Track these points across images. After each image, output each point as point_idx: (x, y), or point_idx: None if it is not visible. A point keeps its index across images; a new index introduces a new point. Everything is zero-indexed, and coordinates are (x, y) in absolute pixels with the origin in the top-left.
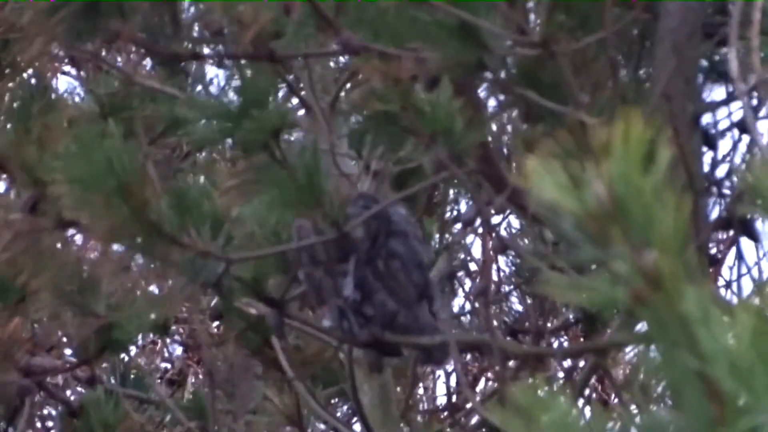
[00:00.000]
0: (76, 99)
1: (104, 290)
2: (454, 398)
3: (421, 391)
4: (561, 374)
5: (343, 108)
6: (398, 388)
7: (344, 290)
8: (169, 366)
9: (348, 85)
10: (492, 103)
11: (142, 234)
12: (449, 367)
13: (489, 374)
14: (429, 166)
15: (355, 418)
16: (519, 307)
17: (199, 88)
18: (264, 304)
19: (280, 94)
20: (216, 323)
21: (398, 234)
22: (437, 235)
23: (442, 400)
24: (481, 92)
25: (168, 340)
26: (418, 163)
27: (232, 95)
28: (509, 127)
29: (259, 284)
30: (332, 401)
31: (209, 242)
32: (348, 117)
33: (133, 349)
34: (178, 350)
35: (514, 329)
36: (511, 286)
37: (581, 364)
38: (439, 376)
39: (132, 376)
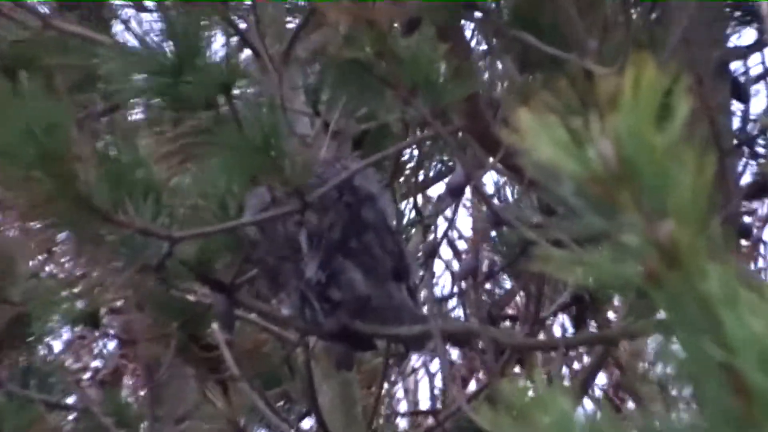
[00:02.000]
0: None
1: (21, 274)
2: (436, 400)
3: (400, 393)
4: (563, 368)
5: (299, 56)
6: (364, 387)
7: (306, 271)
8: (100, 365)
9: (304, 28)
10: (482, 48)
11: (68, 210)
12: (432, 366)
13: (480, 374)
14: (397, 125)
15: (308, 424)
16: (507, 287)
17: (123, 33)
18: (211, 288)
19: (228, 41)
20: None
21: (365, 199)
22: (409, 204)
23: (424, 403)
24: (470, 36)
25: (97, 334)
26: (384, 121)
27: (165, 44)
28: (502, 77)
29: (205, 266)
30: (277, 404)
31: (149, 219)
32: (305, 66)
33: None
34: (111, 345)
35: (495, 315)
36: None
37: (585, 356)
38: (419, 375)
39: (50, 379)
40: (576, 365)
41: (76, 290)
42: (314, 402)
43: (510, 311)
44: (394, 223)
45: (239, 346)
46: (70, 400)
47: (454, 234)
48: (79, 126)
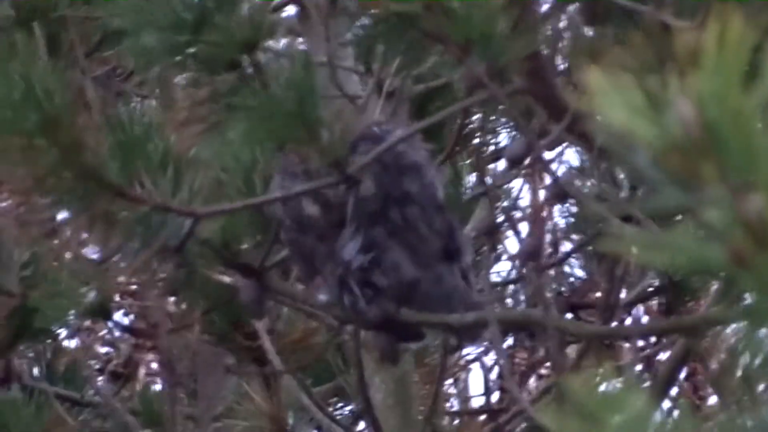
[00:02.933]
0: None
1: (18, 260)
2: (494, 396)
3: (452, 388)
4: (637, 363)
5: (347, 6)
6: (421, 383)
7: (345, 253)
8: (112, 353)
9: None
10: None
11: (75, 184)
12: (488, 358)
13: (543, 369)
14: (462, 84)
15: (360, 423)
16: (580, 274)
17: None
18: (237, 273)
19: None
20: (173, 299)
21: (409, 169)
22: (473, 177)
23: (479, 399)
24: None
25: (111, 322)
26: (446, 80)
27: None
28: (568, 32)
29: (231, 248)
30: (328, 401)
31: (168, 193)
32: (354, 19)
33: (63, 333)
34: (125, 334)
35: (574, 303)
36: (570, 246)
37: (664, 350)
38: (471, 368)
39: (63, 369)
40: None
41: (83, 277)
42: (366, 400)
43: (587, 299)
44: (443, 197)
45: (286, 336)
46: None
47: (516, 210)
48: (91, 86)
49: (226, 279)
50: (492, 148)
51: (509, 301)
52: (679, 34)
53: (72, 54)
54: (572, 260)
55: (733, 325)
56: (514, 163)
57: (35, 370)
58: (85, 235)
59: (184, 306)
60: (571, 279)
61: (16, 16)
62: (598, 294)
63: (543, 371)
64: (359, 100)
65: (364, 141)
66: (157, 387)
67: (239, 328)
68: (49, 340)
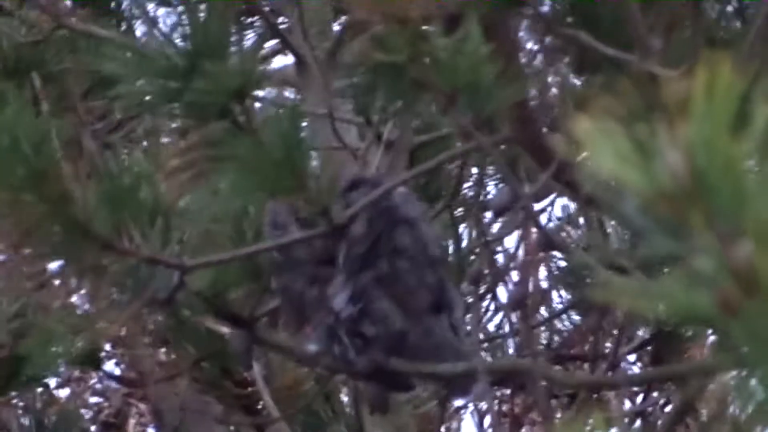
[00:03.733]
0: None
1: (7, 310)
2: None
3: None
4: (629, 415)
5: (345, 60)
6: None
7: (335, 303)
8: (103, 403)
9: (351, 30)
10: (533, 47)
11: (64, 237)
12: (481, 404)
13: (534, 414)
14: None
15: None
16: (568, 325)
17: (138, 32)
18: (227, 323)
19: (249, 40)
20: (163, 349)
21: (402, 222)
22: (471, 230)
23: None
24: (519, 33)
25: (101, 372)
26: (445, 131)
27: (180, 43)
28: (556, 81)
29: (221, 298)
30: None
31: (157, 245)
32: (352, 70)
33: (53, 383)
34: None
35: (562, 354)
36: (558, 296)
37: (658, 403)
38: (464, 415)
39: (53, 418)
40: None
41: (72, 326)
42: None
43: (575, 350)
44: (438, 252)
45: (276, 383)
46: None
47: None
48: (87, 136)
49: (217, 327)
50: (481, 198)
51: (498, 352)
52: (667, 83)
53: (64, 104)
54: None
55: (724, 374)
56: (499, 213)
57: (25, 421)
58: (74, 286)
59: (173, 355)
60: (560, 330)
61: (4, 67)
62: (586, 346)
63: (535, 418)
64: (359, 152)
65: (357, 187)
66: None
67: (229, 376)
68: (39, 389)
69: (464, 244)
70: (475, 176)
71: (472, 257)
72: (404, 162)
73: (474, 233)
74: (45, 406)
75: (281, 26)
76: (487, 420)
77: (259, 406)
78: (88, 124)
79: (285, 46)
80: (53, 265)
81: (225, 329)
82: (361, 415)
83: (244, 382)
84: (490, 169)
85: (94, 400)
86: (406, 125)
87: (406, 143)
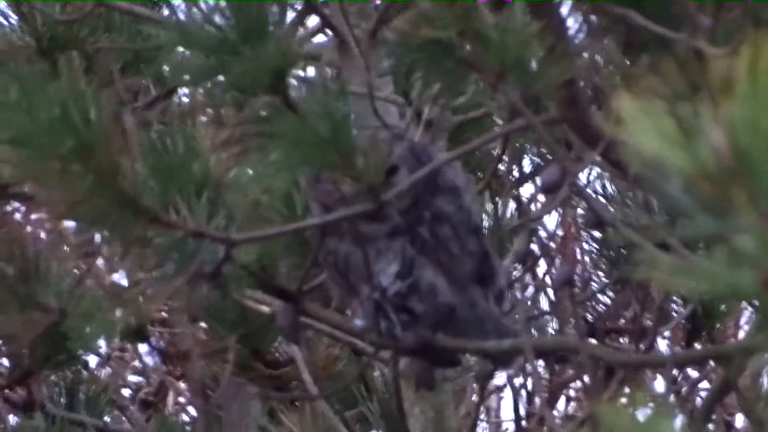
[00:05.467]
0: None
1: (56, 276)
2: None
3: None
4: (671, 392)
5: (386, 37)
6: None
7: (382, 278)
8: (142, 382)
9: (393, 8)
10: (580, 27)
11: (111, 210)
12: (518, 380)
13: (572, 389)
14: (500, 114)
15: None
16: (606, 300)
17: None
18: (274, 297)
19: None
20: (204, 325)
21: (446, 189)
22: (513, 208)
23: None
24: (566, 13)
25: (146, 346)
26: (483, 111)
27: (222, 20)
28: (603, 60)
29: (268, 271)
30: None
31: (204, 219)
32: (393, 50)
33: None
34: (156, 361)
35: (601, 329)
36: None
37: (698, 381)
38: (503, 395)
39: (83, 396)
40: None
41: (119, 300)
42: (405, 430)
43: (617, 324)
44: (481, 222)
45: (309, 363)
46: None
47: (549, 237)
48: (125, 113)
49: (254, 306)
50: (522, 175)
51: (541, 329)
52: (713, 62)
53: (100, 81)
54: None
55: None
56: (549, 191)
57: (60, 398)
58: (119, 259)
59: (214, 332)
60: (599, 305)
61: (38, 46)
62: (622, 321)
63: (571, 392)
64: (398, 129)
65: (407, 158)
66: (186, 415)
67: (260, 357)
68: (77, 366)
69: (504, 221)
70: (514, 154)
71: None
72: (444, 141)
73: (513, 211)
74: (80, 383)
75: (321, 4)
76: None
77: (292, 388)
78: (127, 102)
79: (325, 25)
80: (99, 238)
81: (262, 308)
82: (400, 392)
83: (275, 362)
84: (530, 147)
85: (134, 379)
86: (447, 104)
87: (446, 123)
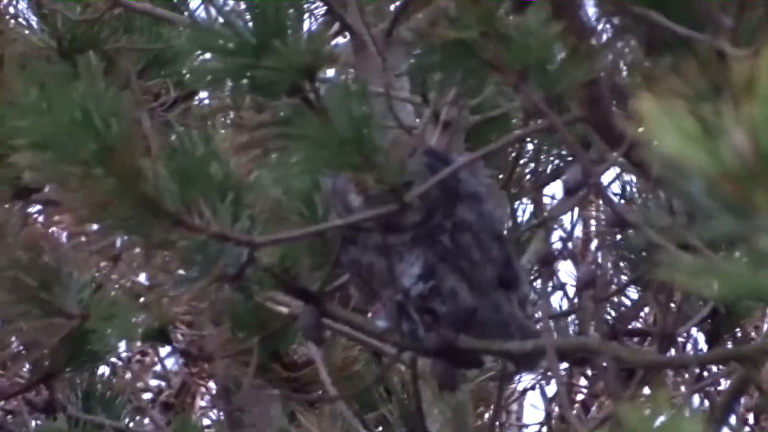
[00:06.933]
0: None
1: (77, 281)
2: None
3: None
4: (693, 392)
5: (402, 37)
6: (476, 412)
7: (404, 279)
8: (162, 384)
9: (409, 7)
10: (603, 27)
11: (133, 212)
12: (549, 387)
13: (604, 398)
14: (518, 114)
15: None
16: (627, 302)
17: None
18: (297, 298)
19: (316, 19)
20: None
21: (466, 197)
22: (524, 205)
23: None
24: (588, 13)
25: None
26: (502, 111)
27: (241, 23)
28: (626, 60)
29: (289, 273)
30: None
31: (227, 221)
32: (410, 49)
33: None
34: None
35: (621, 330)
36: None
37: (719, 380)
38: (525, 397)
39: (103, 397)
40: (713, 387)
41: (143, 302)
42: (423, 430)
43: (638, 326)
44: (504, 228)
45: (327, 365)
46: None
47: (573, 239)
48: (146, 115)
49: (274, 307)
50: (545, 176)
51: (563, 330)
52: (735, 63)
53: (119, 83)
54: (627, 288)
55: None
56: (572, 192)
57: (79, 401)
58: (142, 262)
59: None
60: (620, 306)
61: (59, 47)
62: (642, 321)
63: (604, 400)
64: (415, 131)
65: (424, 159)
66: (207, 418)
67: (278, 360)
68: (99, 368)
69: (522, 221)
70: (532, 154)
71: (529, 235)
72: (461, 141)
73: (531, 211)
74: (100, 385)
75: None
76: (554, 402)
77: (311, 389)
78: (145, 103)
79: (342, 25)
80: (121, 241)
81: (281, 309)
82: (419, 393)
83: (294, 365)
84: (550, 147)
85: (154, 383)
86: (464, 104)
87: (464, 123)
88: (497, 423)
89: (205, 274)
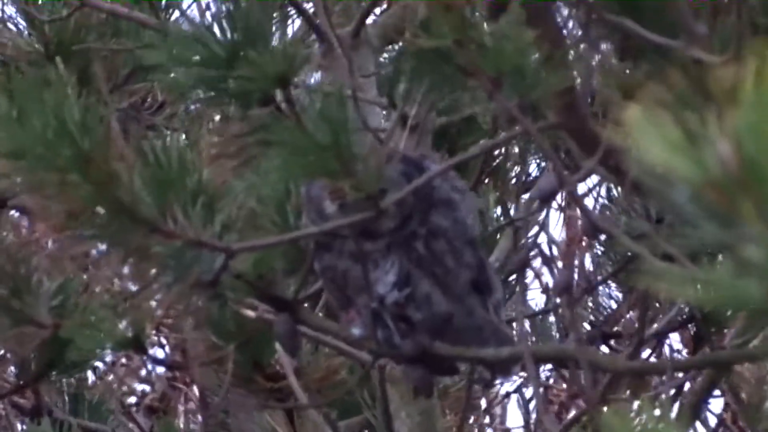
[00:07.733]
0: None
1: (49, 290)
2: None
3: (487, 420)
4: (667, 394)
5: (369, 39)
6: (446, 416)
7: (379, 287)
8: (147, 389)
9: (377, 9)
10: (578, 34)
11: (109, 219)
12: (528, 391)
13: (579, 401)
14: (493, 118)
15: None
16: (610, 303)
17: (176, 16)
18: (271, 305)
19: (292, 27)
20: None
21: (440, 203)
22: (497, 209)
23: None
24: (563, 20)
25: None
26: (469, 113)
27: (218, 30)
28: (601, 67)
29: (265, 280)
30: None
31: (201, 228)
32: (377, 51)
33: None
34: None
35: (605, 333)
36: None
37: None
38: (507, 402)
39: (88, 401)
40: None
41: (117, 309)
42: None
43: (615, 329)
44: (477, 233)
45: (309, 374)
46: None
47: (548, 243)
48: (125, 121)
49: (253, 314)
50: (520, 179)
51: (541, 333)
52: (715, 70)
53: (100, 88)
54: (602, 290)
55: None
56: (545, 200)
57: (66, 404)
58: (118, 269)
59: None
60: (602, 309)
61: (45, 50)
62: (623, 321)
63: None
64: (382, 133)
65: (399, 166)
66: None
67: (260, 370)
68: (82, 373)
69: (491, 223)
70: (505, 157)
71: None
72: (429, 144)
73: (501, 213)
74: (85, 389)
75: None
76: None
77: (294, 399)
78: (125, 108)
79: (309, 27)
80: (97, 248)
81: (258, 317)
82: (387, 398)
83: (276, 375)
84: (525, 152)
85: (140, 387)
86: (431, 107)
87: (431, 125)
88: (465, 426)
89: (181, 280)
